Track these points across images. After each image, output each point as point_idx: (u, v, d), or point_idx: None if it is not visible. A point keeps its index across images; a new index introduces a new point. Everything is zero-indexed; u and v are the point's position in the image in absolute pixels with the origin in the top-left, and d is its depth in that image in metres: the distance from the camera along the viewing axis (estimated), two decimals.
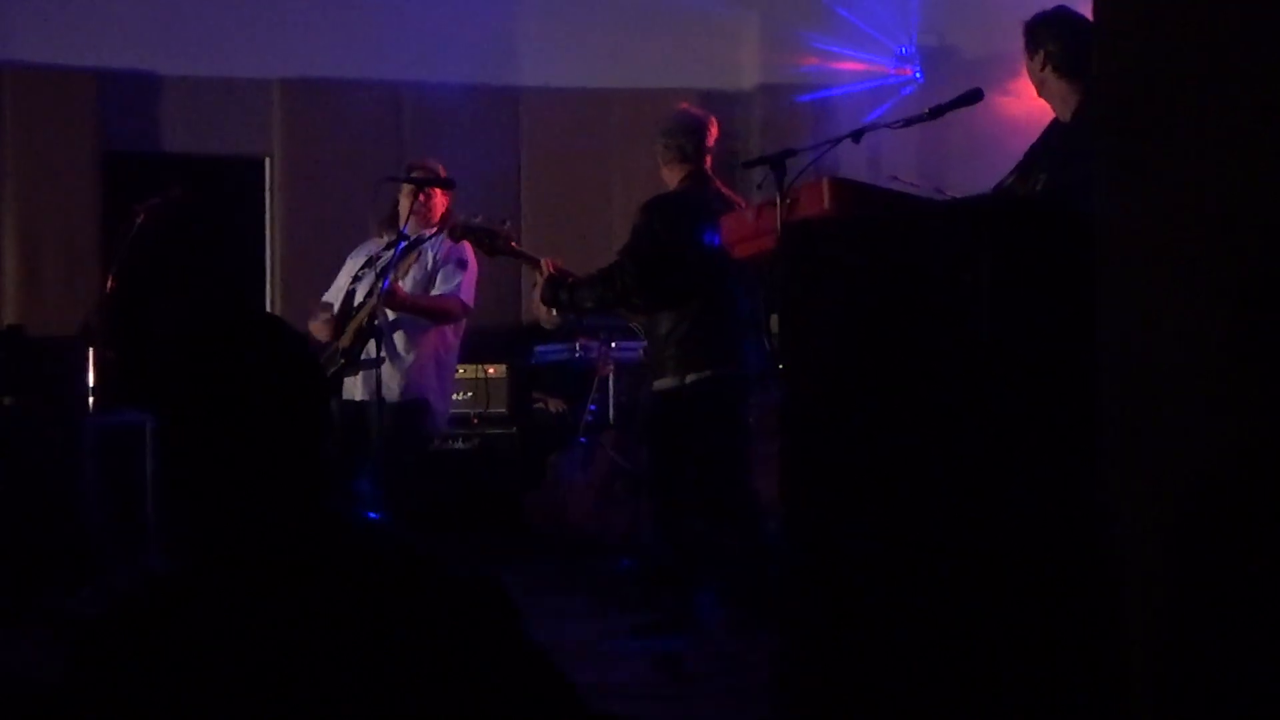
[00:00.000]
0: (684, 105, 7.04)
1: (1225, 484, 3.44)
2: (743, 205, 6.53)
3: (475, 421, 8.92)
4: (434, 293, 7.20)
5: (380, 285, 6.83)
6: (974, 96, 5.74)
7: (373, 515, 7.36)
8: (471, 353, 8.55)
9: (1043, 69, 5.32)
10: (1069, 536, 3.88)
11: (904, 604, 4.18)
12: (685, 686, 5.66)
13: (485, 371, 8.87)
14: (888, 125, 6.06)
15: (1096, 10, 3.85)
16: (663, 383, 6.52)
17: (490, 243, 6.84)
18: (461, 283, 7.23)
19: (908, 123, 5.98)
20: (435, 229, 7.19)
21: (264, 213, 9.68)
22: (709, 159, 6.73)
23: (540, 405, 9.26)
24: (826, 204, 4.97)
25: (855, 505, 4.41)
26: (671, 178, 6.73)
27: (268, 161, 9.70)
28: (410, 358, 7.19)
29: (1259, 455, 3.36)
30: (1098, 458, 3.66)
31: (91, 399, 7.96)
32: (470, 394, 8.88)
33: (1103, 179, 3.96)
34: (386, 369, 6.96)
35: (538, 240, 9.40)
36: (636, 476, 7.88)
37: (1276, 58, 3.34)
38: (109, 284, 8.12)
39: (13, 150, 9.30)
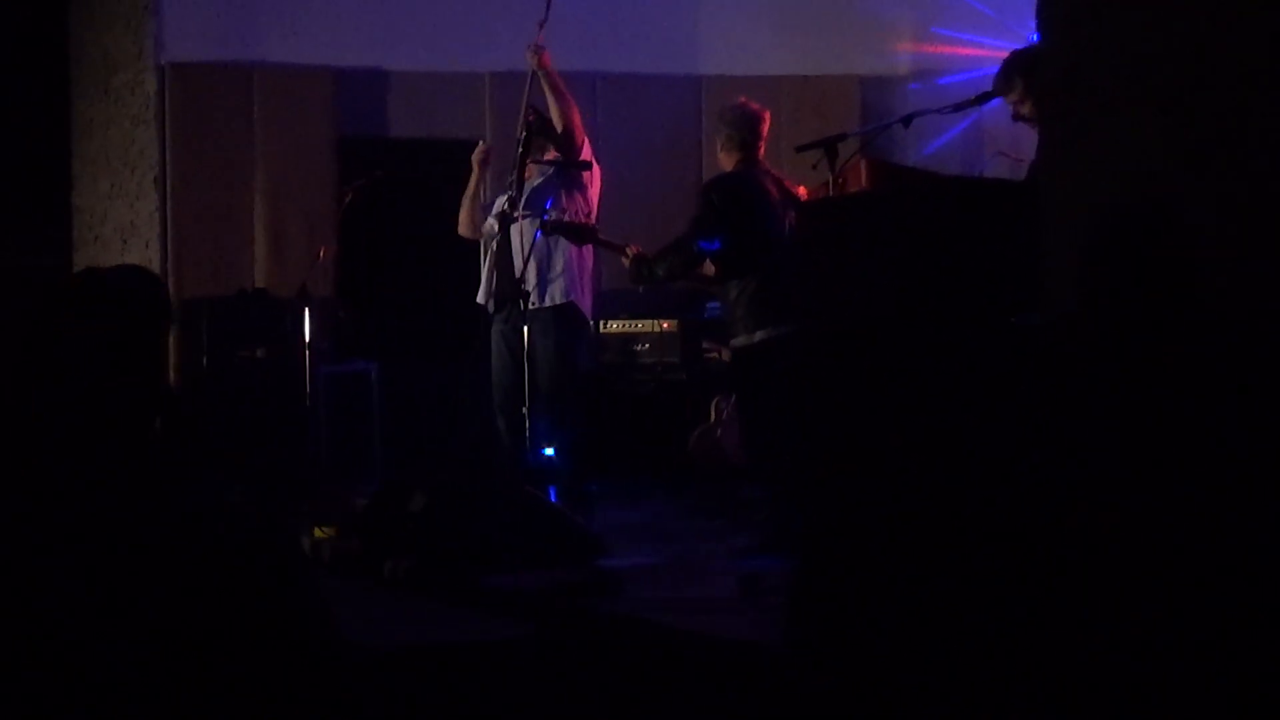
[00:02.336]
0: (742, 100, 7.09)
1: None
2: (788, 185, 6.73)
3: (657, 368, 9.12)
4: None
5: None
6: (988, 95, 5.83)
7: (547, 450, 7.60)
8: (649, 309, 8.77)
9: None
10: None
11: (905, 547, 4.25)
12: (758, 601, 5.76)
13: (661, 326, 9.08)
14: (937, 110, 6.10)
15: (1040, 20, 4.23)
16: (737, 341, 6.75)
17: (579, 235, 7.17)
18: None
19: (956, 107, 6.02)
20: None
21: None
22: (762, 146, 6.84)
23: (714, 355, 9.40)
24: (865, 182, 5.08)
25: (867, 447, 4.45)
26: (728, 162, 6.89)
27: (480, 144, 9.81)
28: (560, 270, 7.47)
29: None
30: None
31: (308, 350, 8.09)
32: (648, 345, 9.08)
33: (1046, 134, 4.05)
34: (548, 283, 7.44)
35: None
36: None
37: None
38: (320, 254, 8.48)
39: (262, 138, 9.50)
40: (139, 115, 9.22)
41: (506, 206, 7.34)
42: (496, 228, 7.38)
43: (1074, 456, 3.77)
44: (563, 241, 7.28)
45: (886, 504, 4.33)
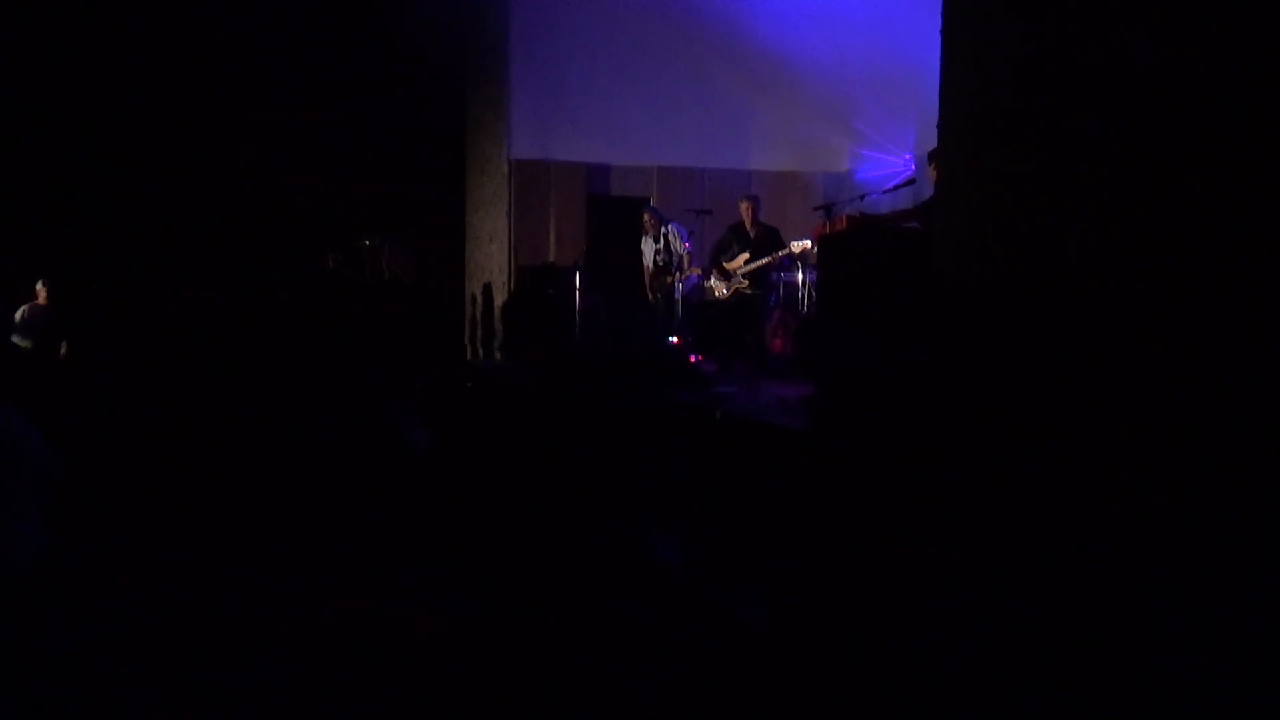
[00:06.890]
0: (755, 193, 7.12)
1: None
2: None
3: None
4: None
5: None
6: (911, 181, 5.68)
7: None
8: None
9: (936, 170, 5.16)
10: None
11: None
12: (789, 409, 5.03)
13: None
14: (880, 191, 6.06)
15: (942, 105, 3.50)
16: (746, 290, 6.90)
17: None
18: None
19: (886, 190, 5.90)
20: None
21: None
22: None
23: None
24: (845, 226, 4.78)
25: (845, 364, 4.29)
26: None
27: (650, 199, 9.25)
28: None
29: None
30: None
31: (577, 292, 8.12)
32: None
33: (940, 194, 3.71)
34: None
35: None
36: (798, 322, 7.22)
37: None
38: (583, 248, 8.92)
39: (554, 196, 9.13)
40: (500, 183, 9.11)
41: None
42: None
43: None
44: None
45: (856, 371, 4.41)
